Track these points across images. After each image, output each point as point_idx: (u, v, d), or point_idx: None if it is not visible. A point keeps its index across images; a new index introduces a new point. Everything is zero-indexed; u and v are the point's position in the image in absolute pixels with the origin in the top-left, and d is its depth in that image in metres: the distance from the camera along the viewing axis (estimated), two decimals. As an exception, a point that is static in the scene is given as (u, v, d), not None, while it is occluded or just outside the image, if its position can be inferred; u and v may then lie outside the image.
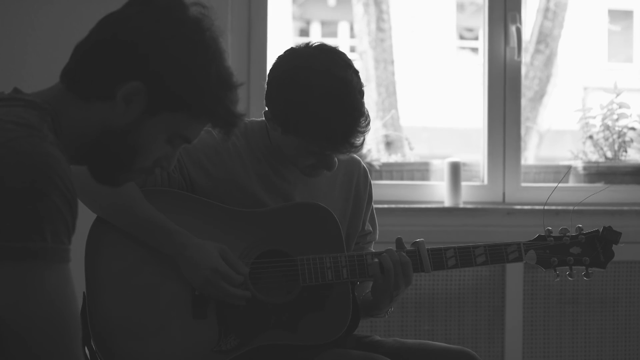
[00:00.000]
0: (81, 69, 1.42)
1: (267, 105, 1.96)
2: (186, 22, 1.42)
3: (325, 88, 1.86)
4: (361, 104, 1.89)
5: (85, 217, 1.91)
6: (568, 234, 2.05)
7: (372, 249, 2.15)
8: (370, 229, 2.17)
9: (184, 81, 1.41)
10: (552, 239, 2.04)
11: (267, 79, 1.96)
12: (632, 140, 3.59)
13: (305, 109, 1.86)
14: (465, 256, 2.01)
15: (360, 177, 2.13)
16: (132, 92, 1.39)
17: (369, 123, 1.90)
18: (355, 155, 2.13)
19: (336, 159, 1.95)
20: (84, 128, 1.41)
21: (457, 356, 1.98)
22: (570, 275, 2.05)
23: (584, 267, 2.04)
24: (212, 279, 1.85)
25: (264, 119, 2.05)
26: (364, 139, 1.91)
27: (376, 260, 1.95)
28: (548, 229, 2.06)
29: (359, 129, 1.88)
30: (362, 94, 1.91)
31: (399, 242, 2.00)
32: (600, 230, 2.06)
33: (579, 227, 2.06)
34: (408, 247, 2.01)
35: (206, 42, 1.43)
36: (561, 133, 7.99)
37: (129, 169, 1.46)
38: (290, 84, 1.89)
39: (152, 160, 1.46)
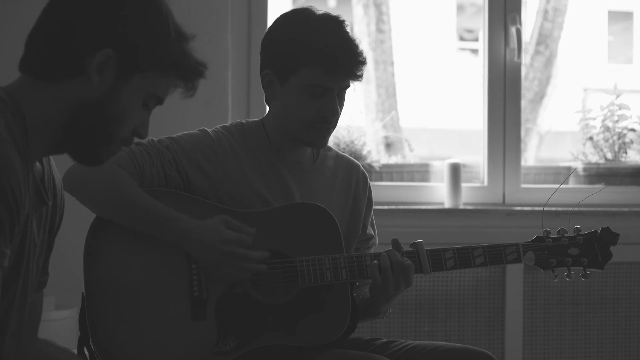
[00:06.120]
0: (44, 53, 1.42)
1: (263, 67, 2.01)
2: None
3: (319, 20, 1.97)
4: (355, 39, 1.98)
5: (84, 218, 1.91)
6: (566, 235, 2.05)
7: (373, 254, 2.14)
8: (372, 233, 2.16)
9: (149, 40, 1.44)
10: (550, 240, 2.04)
11: (260, 49, 2.03)
12: (632, 142, 3.59)
13: (304, 38, 1.94)
14: (463, 257, 2.01)
15: (359, 180, 2.13)
16: (104, 61, 1.40)
17: (366, 58, 1.97)
18: (354, 160, 2.16)
19: (338, 108, 1.97)
20: (55, 110, 1.41)
21: (476, 358, 1.97)
22: (568, 276, 2.05)
23: (581, 268, 2.04)
24: (227, 249, 1.86)
25: (260, 118, 2.06)
26: (362, 72, 1.97)
27: (375, 261, 1.95)
28: (546, 230, 2.06)
29: (357, 52, 1.95)
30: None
31: (396, 243, 1.99)
32: (599, 231, 2.06)
33: (577, 228, 2.06)
34: (406, 248, 2.01)
35: (159, 1, 1.47)
36: (561, 134, 7.99)
37: (109, 141, 1.46)
38: (286, 27, 2.00)
39: (130, 130, 1.47)
